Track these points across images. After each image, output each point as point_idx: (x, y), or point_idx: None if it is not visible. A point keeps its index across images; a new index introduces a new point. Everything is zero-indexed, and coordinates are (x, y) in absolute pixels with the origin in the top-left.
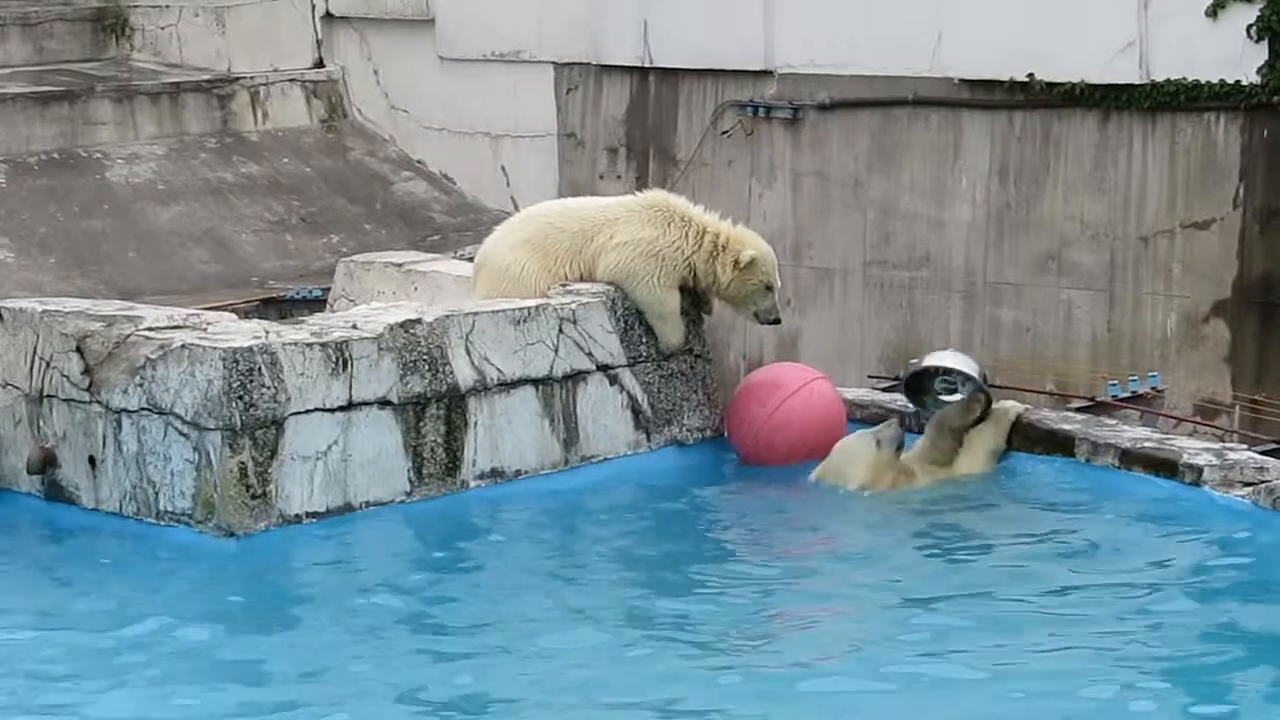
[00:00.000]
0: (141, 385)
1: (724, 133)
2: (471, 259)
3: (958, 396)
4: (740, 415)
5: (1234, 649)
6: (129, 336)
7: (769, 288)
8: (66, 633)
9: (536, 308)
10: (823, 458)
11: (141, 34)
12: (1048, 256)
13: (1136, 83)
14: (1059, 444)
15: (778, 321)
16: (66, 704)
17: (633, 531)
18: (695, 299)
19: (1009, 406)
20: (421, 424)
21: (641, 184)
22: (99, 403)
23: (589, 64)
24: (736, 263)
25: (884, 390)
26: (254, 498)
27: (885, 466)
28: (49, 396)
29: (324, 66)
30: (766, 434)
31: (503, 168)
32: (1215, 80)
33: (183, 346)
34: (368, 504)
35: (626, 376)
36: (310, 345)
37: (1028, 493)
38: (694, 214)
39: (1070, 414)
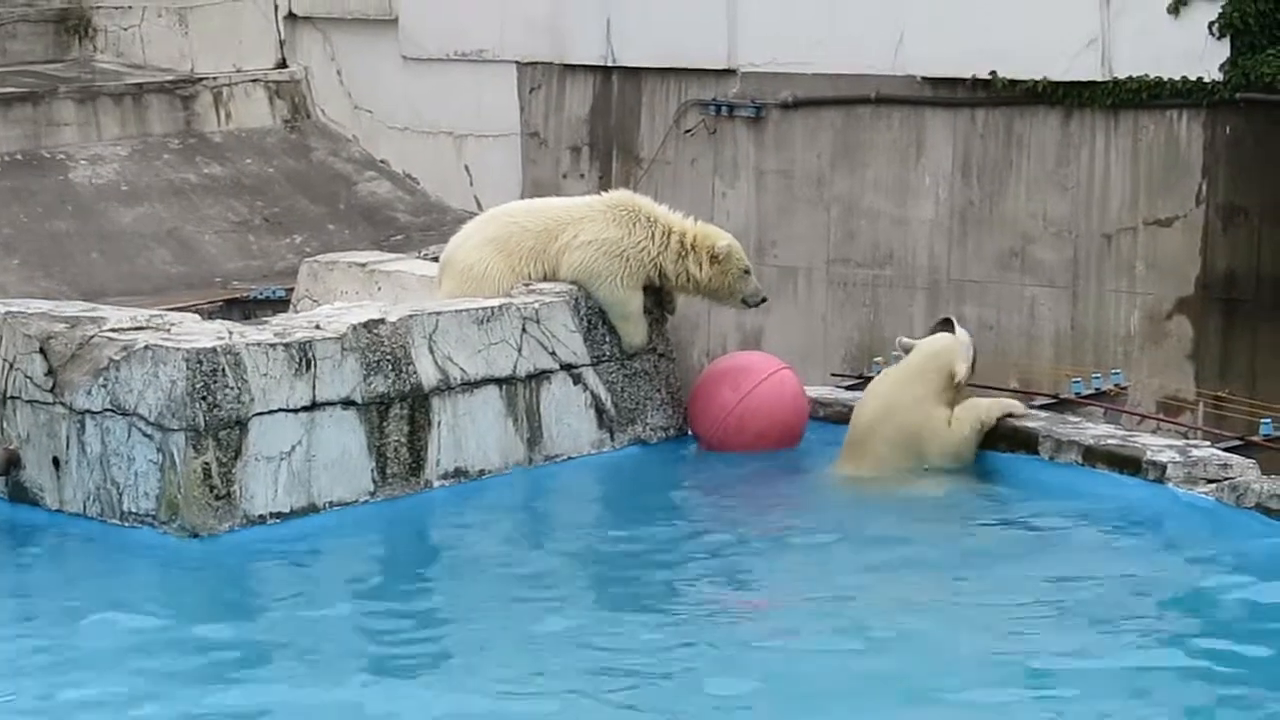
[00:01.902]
0: (105, 386)
1: (687, 131)
2: (435, 259)
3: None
4: (708, 398)
5: (1195, 647)
6: (92, 338)
7: (746, 271)
8: (26, 635)
9: (500, 307)
10: (780, 448)
11: (104, 35)
12: (1011, 254)
13: (1099, 80)
14: (1022, 441)
15: (765, 300)
16: (31, 705)
17: (596, 529)
18: (658, 298)
19: (1010, 402)
20: (385, 424)
21: (605, 183)
22: (62, 404)
23: (552, 63)
24: (714, 256)
25: (847, 389)
26: (218, 498)
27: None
28: (12, 398)
29: (287, 67)
30: (736, 417)
31: (466, 167)
32: (1178, 77)
33: (146, 347)
34: (331, 504)
35: (590, 376)
36: (274, 345)
37: (991, 490)
38: (659, 214)
39: (1034, 411)
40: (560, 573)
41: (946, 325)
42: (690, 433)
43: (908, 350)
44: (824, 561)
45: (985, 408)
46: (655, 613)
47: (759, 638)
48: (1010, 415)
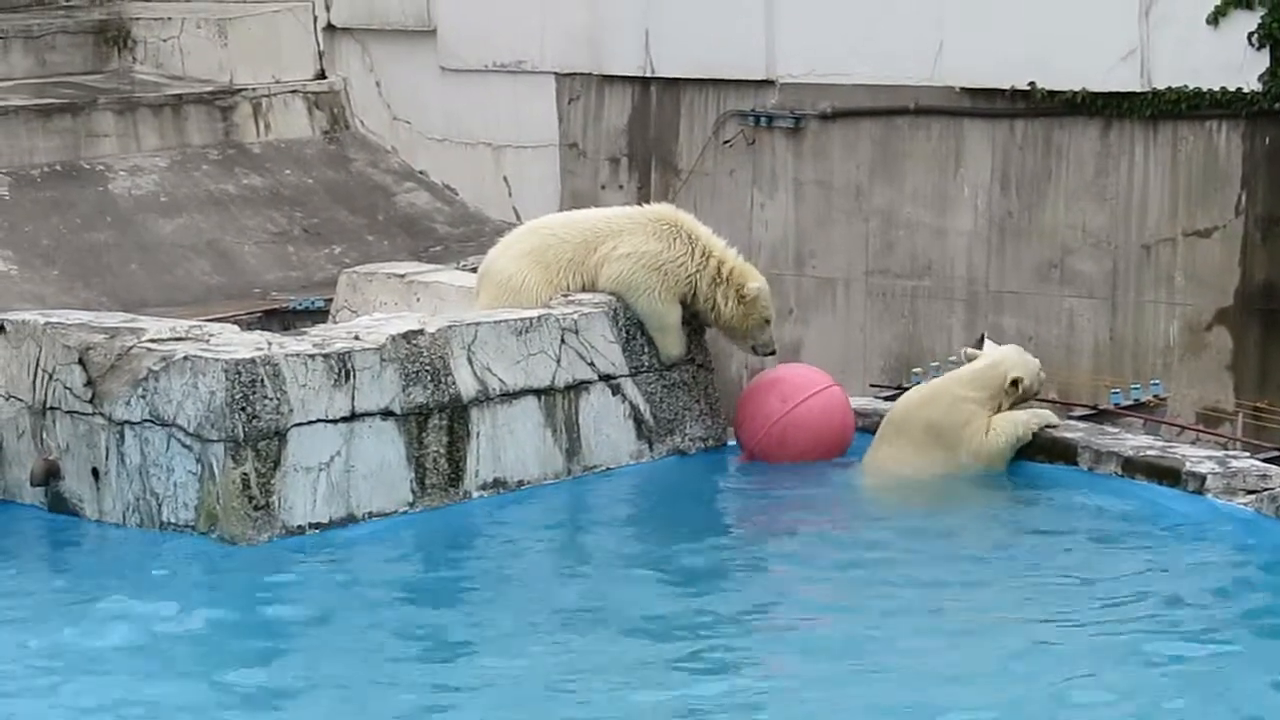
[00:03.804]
0: (144, 397)
1: (726, 142)
2: (474, 270)
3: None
4: (755, 407)
5: (1235, 655)
6: (131, 348)
7: (767, 321)
8: (62, 638)
9: (539, 318)
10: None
11: (144, 46)
12: (1050, 265)
13: (1138, 90)
14: (1061, 452)
15: (774, 353)
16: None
17: (637, 539)
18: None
19: (1045, 413)
20: (424, 434)
21: (644, 194)
22: (102, 414)
23: (590, 74)
24: (741, 296)
25: (886, 399)
26: (256, 509)
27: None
28: (52, 409)
29: (326, 78)
30: (780, 430)
31: (505, 178)
32: (1216, 88)
33: (185, 358)
34: (370, 515)
35: (629, 386)
36: (312, 356)
37: (1030, 500)
38: (701, 233)
39: (1073, 422)
40: (598, 585)
41: (980, 344)
42: (734, 440)
43: (970, 360)
44: (863, 578)
45: (1024, 420)
46: (700, 630)
47: (795, 649)
48: (1049, 427)
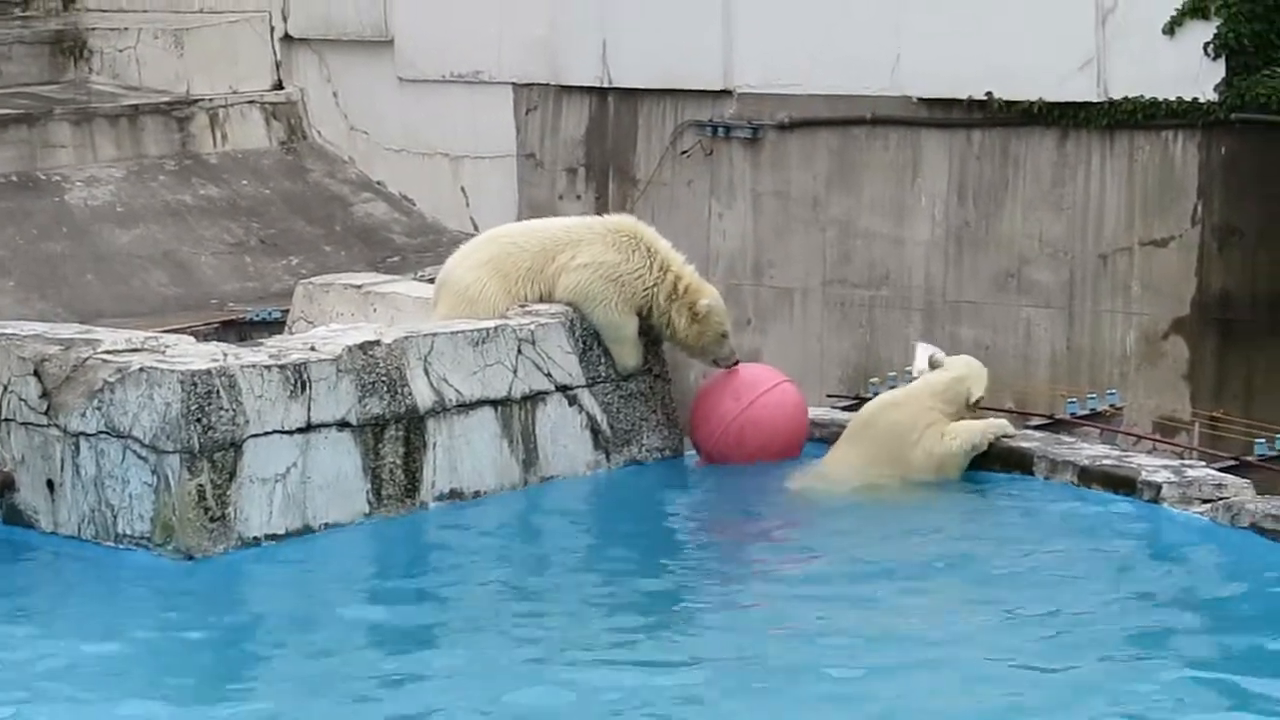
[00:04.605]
0: (100, 408)
1: (683, 153)
2: (431, 280)
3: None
4: (710, 409)
5: (1187, 665)
6: (87, 360)
7: (724, 335)
8: (17, 653)
9: (495, 328)
10: (785, 459)
11: (100, 57)
12: (1007, 274)
13: (1094, 100)
14: (1017, 462)
15: (737, 363)
16: None
17: (591, 551)
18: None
19: (1002, 423)
20: (380, 445)
21: (601, 204)
22: (57, 426)
23: (548, 84)
24: (694, 313)
25: (843, 409)
26: (212, 520)
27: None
28: (7, 420)
29: (283, 88)
30: (739, 428)
31: (462, 188)
32: (1173, 98)
33: (141, 369)
34: (327, 525)
35: (585, 397)
36: (269, 367)
37: (985, 509)
38: (661, 247)
39: (1029, 432)
40: (554, 595)
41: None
42: (691, 444)
43: (939, 364)
44: (819, 585)
45: (980, 430)
46: (655, 637)
47: (754, 658)
48: (1004, 436)
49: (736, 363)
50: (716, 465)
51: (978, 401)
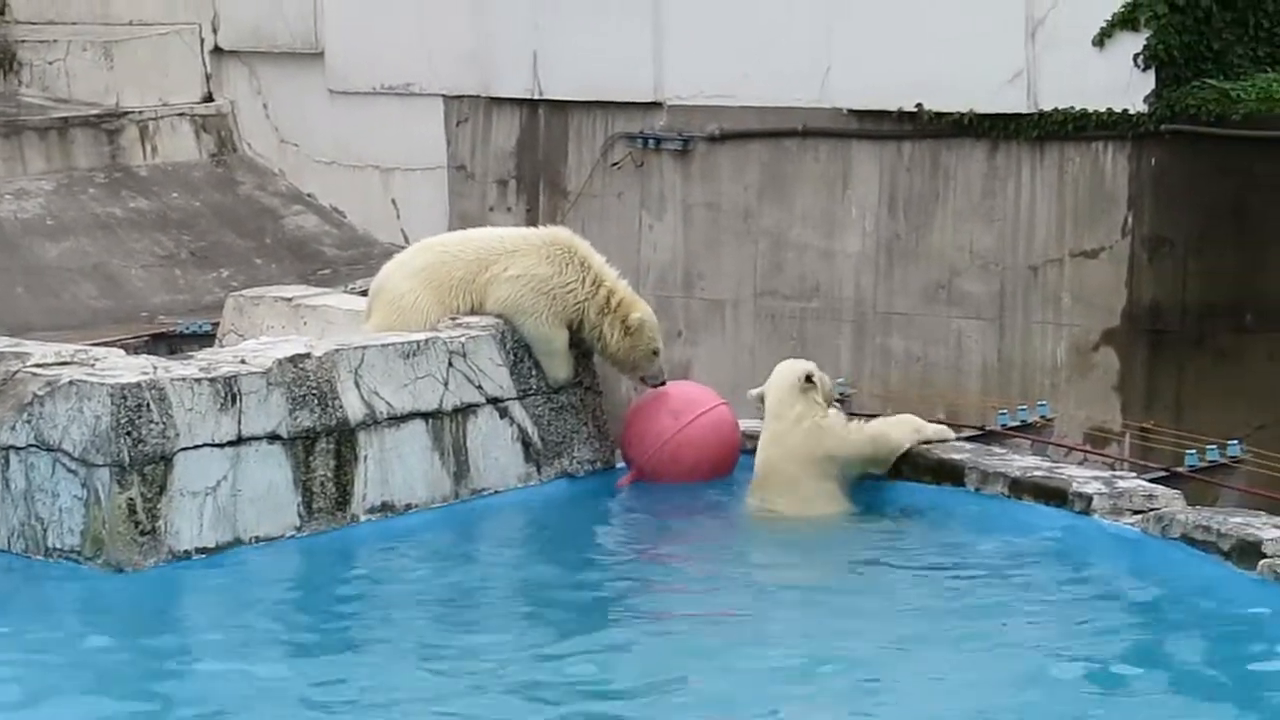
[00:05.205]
0: (29, 422)
1: (614, 164)
2: (363, 293)
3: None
4: (645, 425)
5: (1115, 677)
6: (16, 373)
7: (655, 353)
8: None
9: (426, 341)
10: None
11: (29, 69)
12: (937, 286)
13: (1024, 112)
14: (948, 473)
15: (664, 384)
16: None
17: (522, 564)
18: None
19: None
20: (311, 458)
21: (532, 216)
22: None
23: (478, 96)
24: (626, 327)
25: None
26: (143, 534)
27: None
28: None
29: (213, 100)
30: (674, 447)
31: (393, 200)
32: (1103, 109)
33: (71, 383)
34: (258, 539)
35: (516, 409)
36: (199, 380)
37: (916, 521)
38: (594, 262)
39: (960, 443)
40: (485, 608)
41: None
42: (623, 459)
43: (761, 398)
44: (751, 598)
45: (918, 426)
46: (582, 650)
47: (681, 670)
48: (928, 442)
49: (664, 382)
50: (646, 482)
51: (823, 384)
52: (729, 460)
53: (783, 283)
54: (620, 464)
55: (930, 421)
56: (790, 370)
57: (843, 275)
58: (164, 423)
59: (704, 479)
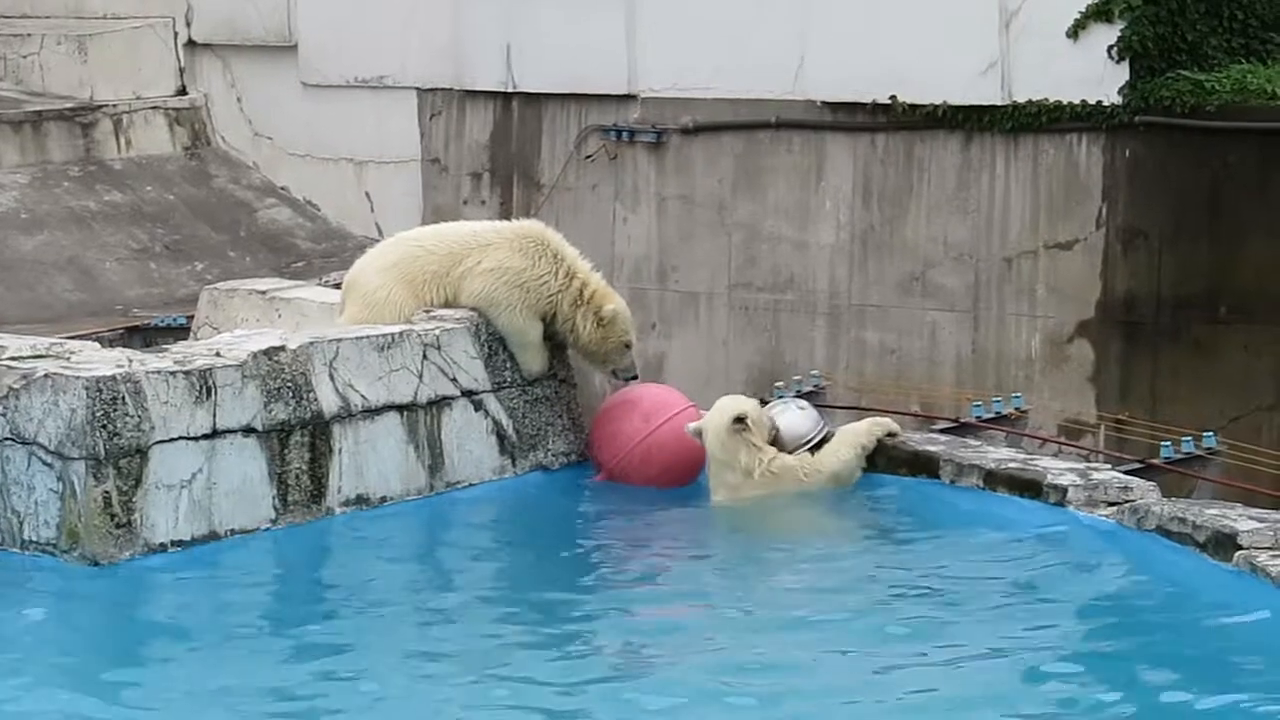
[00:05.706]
0: (4, 415)
1: (588, 157)
2: (336, 285)
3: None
4: (616, 427)
5: (1090, 669)
6: None
7: (628, 345)
8: None
9: (400, 334)
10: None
11: (3, 62)
12: (912, 278)
13: (998, 104)
14: (923, 465)
15: (635, 378)
16: None
17: (496, 557)
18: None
19: (884, 421)
20: (286, 451)
21: (506, 209)
22: None
23: (452, 89)
24: (600, 319)
25: None
26: (118, 527)
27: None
28: None
29: (187, 94)
30: (645, 449)
31: (367, 194)
32: (1077, 101)
33: (46, 376)
34: (233, 532)
35: (491, 402)
36: (174, 373)
37: (891, 514)
38: (568, 254)
39: (934, 435)
40: (459, 600)
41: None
42: (592, 459)
43: (699, 433)
44: (725, 590)
45: (864, 430)
46: (555, 644)
47: (656, 664)
48: (891, 435)
49: (636, 376)
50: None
51: (757, 422)
52: (697, 466)
53: (757, 275)
54: None
55: (906, 414)
56: (724, 412)
57: (817, 267)
58: (139, 416)
59: (671, 484)
